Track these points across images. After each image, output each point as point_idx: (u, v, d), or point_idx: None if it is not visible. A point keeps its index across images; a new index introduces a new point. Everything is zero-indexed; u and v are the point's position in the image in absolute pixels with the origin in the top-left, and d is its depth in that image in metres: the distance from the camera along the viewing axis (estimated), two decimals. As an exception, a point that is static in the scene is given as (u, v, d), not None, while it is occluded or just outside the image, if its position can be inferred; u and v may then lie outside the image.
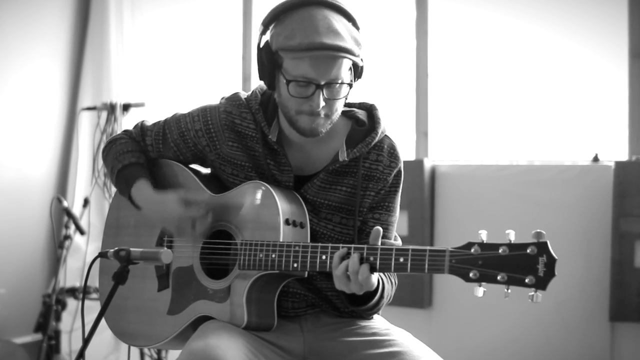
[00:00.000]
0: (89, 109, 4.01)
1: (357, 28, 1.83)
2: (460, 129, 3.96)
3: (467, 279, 1.58)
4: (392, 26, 4.12)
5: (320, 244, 1.75)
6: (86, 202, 3.82)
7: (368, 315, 1.93)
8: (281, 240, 1.79)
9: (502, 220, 3.55)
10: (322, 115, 1.80)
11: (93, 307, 3.33)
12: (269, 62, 1.81)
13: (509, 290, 1.56)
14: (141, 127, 2.07)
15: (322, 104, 1.78)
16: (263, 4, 4.22)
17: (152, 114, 3.64)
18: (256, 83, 1.98)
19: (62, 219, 4.04)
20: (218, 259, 1.91)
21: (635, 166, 3.34)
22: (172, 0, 4.65)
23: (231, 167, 1.95)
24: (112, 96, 4.29)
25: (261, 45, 1.83)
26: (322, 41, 1.72)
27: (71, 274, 3.94)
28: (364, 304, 1.83)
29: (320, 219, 1.92)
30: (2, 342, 3.71)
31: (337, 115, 1.85)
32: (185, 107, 2.06)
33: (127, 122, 3.80)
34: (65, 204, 3.67)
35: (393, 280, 1.93)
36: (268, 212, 1.82)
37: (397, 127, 4.00)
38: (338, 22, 1.78)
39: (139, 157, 2.01)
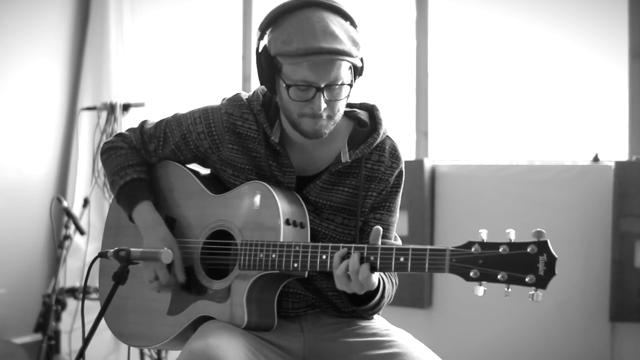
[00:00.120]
0: (88, 109, 4.02)
1: (355, 27, 1.82)
2: (460, 129, 3.96)
3: (468, 278, 1.58)
4: (392, 26, 4.12)
5: (320, 244, 1.75)
6: (86, 202, 3.82)
7: (369, 315, 1.93)
8: (281, 240, 1.79)
9: (502, 220, 3.55)
10: (325, 117, 1.80)
11: (93, 307, 3.32)
12: (268, 66, 1.81)
13: (509, 290, 1.56)
14: (141, 133, 2.05)
15: (324, 106, 1.78)
16: (263, 4, 4.22)
17: (152, 114, 3.64)
18: (256, 83, 1.97)
19: (62, 219, 4.04)
20: (218, 259, 1.90)
21: (635, 166, 3.34)
22: (172, 0, 4.65)
23: (232, 169, 1.95)
24: (112, 96, 4.29)
25: (259, 50, 1.83)
26: (319, 45, 1.71)
27: (71, 274, 3.94)
28: (364, 303, 1.82)
29: (322, 220, 1.91)
30: (2, 342, 3.71)
31: (339, 115, 1.85)
32: (185, 107, 2.05)
33: (127, 122, 3.80)
34: (65, 204, 3.67)
35: (394, 280, 1.93)
36: (268, 212, 1.82)
37: (397, 127, 3.99)
38: (335, 23, 1.76)
39: (140, 171, 2.01)
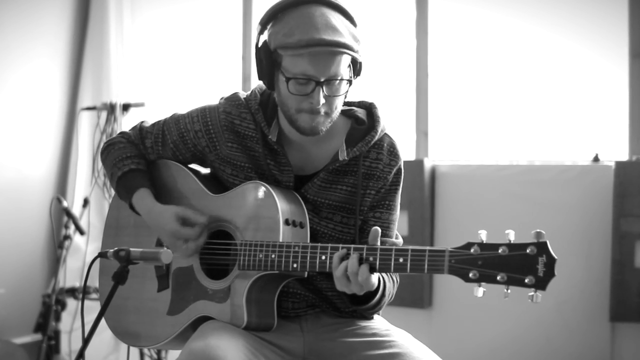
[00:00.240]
0: (88, 108, 4.02)
1: (355, 25, 1.83)
2: (460, 129, 3.96)
3: (467, 279, 1.58)
4: (392, 26, 4.12)
5: (319, 244, 1.75)
6: (86, 202, 3.82)
7: (370, 314, 1.93)
8: (281, 240, 1.79)
9: (502, 220, 3.55)
10: (322, 113, 1.80)
11: (93, 307, 3.32)
12: (268, 61, 1.81)
13: (509, 291, 1.56)
14: (140, 129, 2.06)
15: (322, 101, 1.78)
16: (263, 4, 4.21)
17: (152, 114, 3.64)
18: (256, 83, 1.97)
19: (61, 219, 4.03)
20: (218, 259, 1.90)
21: (635, 166, 3.34)
22: (172, 0, 4.65)
23: (231, 167, 1.95)
24: (112, 96, 4.29)
25: (259, 45, 1.83)
26: (321, 37, 1.72)
27: (71, 274, 3.94)
28: (365, 302, 1.82)
29: (321, 219, 1.91)
30: (1, 342, 3.71)
31: (337, 113, 1.85)
32: (185, 107, 2.05)
33: (127, 122, 3.80)
34: (65, 204, 3.67)
35: (394, 279, 1.93)
36: (267, 212, 1.82)
37: (397, 127, 3.99)
38: (336, 19, 1.78)
39: (139, 162, 2.01)
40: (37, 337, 3.80)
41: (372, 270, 1.69)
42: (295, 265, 1.76)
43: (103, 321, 1.84)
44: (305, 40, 1.72)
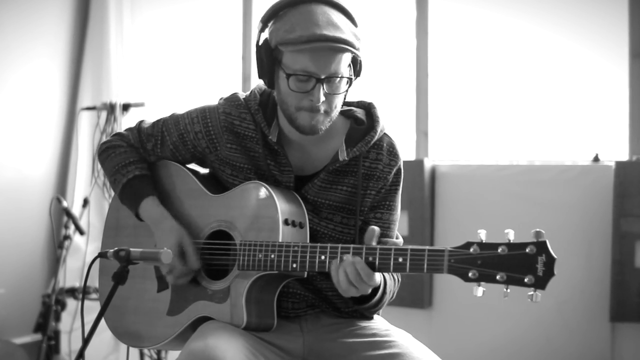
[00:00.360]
0: (88, 108, 4.01)
1: (355, 25, 1.83)
2: (460, 129, 3.96)
3: (466, 279, 1.58)
4: (392, 26, 4.11)
5: (319, 244, 1.75)
6: (86, 202, 3.82)
7: (371, 313, 1.92)
8: (280, 240, 1.79)
9: (503, 220, 3.55)
10: (322, 112, 1.80)
11: (93, 308, 3.32)
12: (268, 58, 1.81)
13: (508, 290, 1.56)
14: (138, 131, 2.05)
15: (322, 98, 1.78)
16: (263, 3, 4.21)
17: (152, 113, 3.64)
18: (256, 83, 1.97)
19: (61, 219, 4.03)
20: (217, 260, 1.90)
21: (635, 166, 3.34)
22: (172, 0, 4.65)
23: (230, 168, 1.94)
24: (112, 96, 4.29)
25: (260, 43, 1.83)
26: (322, 33, 1.72)
27: (71, 274, 3.94)
28: (367, 301, 1.82)
29: (321, 219, 1.91)
30: (1, 343, 3.70)
31: (336, 112, 1.85)
32: (184, 107, 2.05)
33: (127, 122, 3.79)
34: (65, 204, 3.67)
35: (396, 277, 1.93)
36: (267, 212, 1.82)
37: (397, 127, 3.99)
38: (337, 17, 1.78)
39: (142, 167, 2.01)
40: (37, 337, 3.80)
41: (372, 269, 1.69)
42: (294, 265, 1.76)
43: (103, 321, 1.84)
44: (307, 36, 1.72)
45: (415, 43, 3.96)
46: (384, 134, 1.94)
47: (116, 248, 1.77)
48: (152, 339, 1.96)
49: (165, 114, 2.07)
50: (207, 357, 1.64)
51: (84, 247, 3.94)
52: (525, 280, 1.53)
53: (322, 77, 1.76)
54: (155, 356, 3.55)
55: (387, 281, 1.85)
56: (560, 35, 3.75)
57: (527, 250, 1.53)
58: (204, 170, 2.06)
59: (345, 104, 1.94)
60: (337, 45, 1.74)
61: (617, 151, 3.54)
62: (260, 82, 1.95)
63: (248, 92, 1.97)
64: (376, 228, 1.71)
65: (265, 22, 1.83)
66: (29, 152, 4.31)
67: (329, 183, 1.91)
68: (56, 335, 3.62)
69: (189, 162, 2.05)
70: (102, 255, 1.81)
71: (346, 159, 1.88)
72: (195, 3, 4.62)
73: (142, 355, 3.62)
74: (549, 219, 3.48)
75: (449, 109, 3.97)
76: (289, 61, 1.77)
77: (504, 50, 3.87)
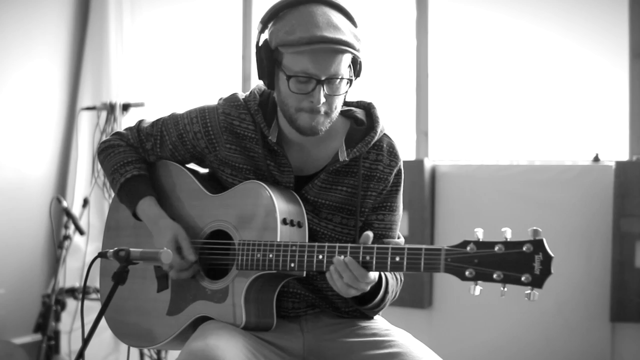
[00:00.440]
0: (88, 108, 4.01)
1: (355, 26, 1.83)
2: (460, 129, 3.96)
3: (463, 278, 1.57)
4: (392, 25, 4.11)
5: (317, 244, 1.74)
6: (86, 202, 3.82)
7: (374, 313, 1.92)
8: (279, 240, 1.78)
9: (503, 220, 3.51)
10: (322, 113, 1.80)
11: (93, 308, 3.32)
12: (269, 60, 1.81)
13: (505, 289, 1.55)
14: (138, 131, 2.05)
15: (323, 100, 1.77)
16: (263, 3, 4.21)
17: (152, 113, 3.63)
18: (256, 83, 1.97)
19: (61, 219, 4.03)
20: (216, 259, 1.90)
21: (636, 166, 3.33)
22: (172, 0, 4.65)
23: (230, 169, 1.94)
24: (112, 96, 4.29)
25: (260, 44, 1.83)
26: (322, 34, 1.72)
27: (71, 274, 3.94)
28: (369, 302, 1.82)
29: (321, 219, 1.91)
30: (1, 343, 3.70)
31: (336, 113, 1.84)
32: (184, 107, 2.05)
33: (126, 122, 3.79)
34: (65, 204, 3.67)
35: (398, 277, 1.93)
36: (266, 211, 1.81)
37: (397, 127, 3.99)
38: (337, 18, 1.78)
39: (140, 167, 2.01)
40: (37, 337, 3.80)
41: (369, 269, 1.68)
42: (293, 265, 1.75)
43: (103, 321, 1.84)
44: (307, 37, 1.72)
45: (415, 43, 3.96)
46: (384, 134, 1.94)
47: (116, 248, 1.77)
48: (152, 339, 1.96)
49: (165, 113, 2.06)
50: (207, 357, 1.64)
51: (84, 247, 3.93)
52: (522, 279, 1.52)
53: (323, 78, 1.76)
54: (155, 356, 3.55)
55: (389, 280, 1.85)
56: (560, 35, 3.75)
57: (523, 249, 1.53)
58: (203, 170, 2.06)
59: (345, 104, 1.94)
60: (338, 47, 1.73)
61: (618, 151, 3.54)
62: (260, 83, 1.94)
63: (248, 93, 1.97)
64: (369, 233, 1.71)
65: (265, 23, 1.83)
66: (29, 152, 4.31)
67: (329, 183, 1.90)
68: (56, 335, 3.63)
69: (188, 162, 2.05)
70: (102, 255, 1.81)
71: (346, 159, 1.88)
72: (195, 3, 4.62)
73: (142, 355, 3.62)
74: (549, 219, 3.48)
75: (449, 109, 3.97)
76: (289, 63, 1.77)
77: (504, 50, 3.86)
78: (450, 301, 3.71)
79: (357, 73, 1.85)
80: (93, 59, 4.47)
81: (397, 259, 1.65)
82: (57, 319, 3.62)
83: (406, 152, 3.92)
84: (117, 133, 2.09)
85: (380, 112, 1.95)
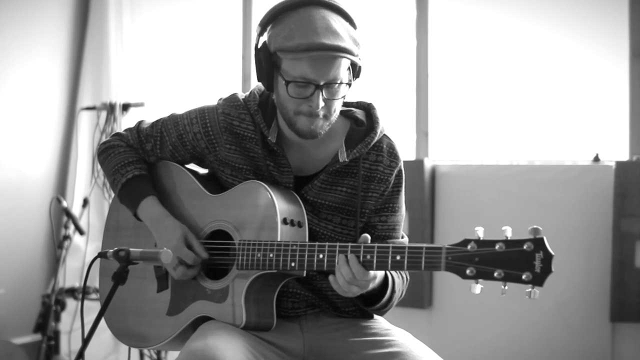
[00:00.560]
0: (88, 108, 4.01)
1: (355, 27, 1.82)
2: (460, 129, 3.96)
3: (464, 276, 1.58)
4: (392, 26, 4.11)
5: (317, 243, 1.75)
6: (85, 202, 3.82)
7: (382, 313, 1.92)
8: (279, 239, 1.78)
9: (503, 220, 3.50)
10: (321, 116, 1.80)
11: (92, 308, 3.32)
12: (267, 63, 1.81)
13: (506, 287, 1.56)
14: (138, 131, 2.05)
15: (322, 104, 1.77)
16: (263, 3, 4.22)
17: (152, 113, 3.64)
18: (256, 83, 1.97)
19: (61, 219, 4.03)
20: (217, 259, 1.90)
21: (636, 166, 3.33)
22: (172, 0, 4.64)
23: (230, 169, 1.94)
24: (112, 96, 4.29)
25: (259, 46, 1.83)
26: (321, 41, 1.71)
27: (70, 274, 3.94)
28: (376, 302, 1.82)
29: (321, 220, 1.91)
30: (1, 343, 3.70)
31: (335, 116, 1.84)
32: (184, 107, 2.05)
33: (126, 122, 3.79)
34: (65, 204, 3.67)
35: (404, 276, 1.93)
36: (266, 211, 1.81)
37: (397, 127, 3.99)
38: (336, 22, 1.77)
39: (141, 168, 2.00)
40: (37, 337, 3.80)
41: (370, 268, 1.68)
42: (293, 264, 1.75)
43: (103, 321, 1.84)
44: (306, 44, 1.71)
45: (415, 43, 3.96)
46: (384, 135, 1.94)
47: (116, 248, 1.77)
48: (152, 339, 1.96)
49: (165, 114, 2.06)
50: (207, 357, 1.64)
51: (84, 247, 3.93)
52: (523, 277, 1.52)
53: (321, 83, 1.76)
54: (155, 356, 3.55)
55: (396, 280, 1.85)
56: (560, 35, 3.75)
57: (524, 247, 1.53)
58: (203, 171, 2.06)
59: (344, 104, 1.94)
60: (336, 54, 1.73)
61: (618, 151, 3.54)
62: (260, 83, 1.94)
63: (247, 93, 1.96)
64: (367, 235, 1.71)
65: (263, 26, 1.82)
66: (29, 152, 4.31)
67: (329, 184, 1.90)
68: (56, 335, 3.62)
69: (188, 163, 2.05)
70: (101, 255, 1.81)
71: (346, 160, 1.88)
72: (195, 3, 4.62)
73: (142, 355, 3.62)
74: (549, 219, 3.48)
75: (449, 109, 3.97)
76: (288, 68, 1.76)
77: (504, 50, 3.86)
78: (450, 301, 3.71)
79: (356, 74, 1.85)
80: (93, 59, 4.47)
81: (398, 257, 1.65)
82: (57, 319, 3.62)
83: (406, 152, 3.92)
84: (117, 134, 2.09)
85: (380, 113, 1.95)
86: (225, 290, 1.84)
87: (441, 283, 3.72)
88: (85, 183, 4.27)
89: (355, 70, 1.84)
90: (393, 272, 1.85)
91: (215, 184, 1.98)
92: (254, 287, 1.81)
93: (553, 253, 1.52)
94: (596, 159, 3.51)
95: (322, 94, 1.76)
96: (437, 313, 3.75)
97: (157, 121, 2.04)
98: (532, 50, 3.80)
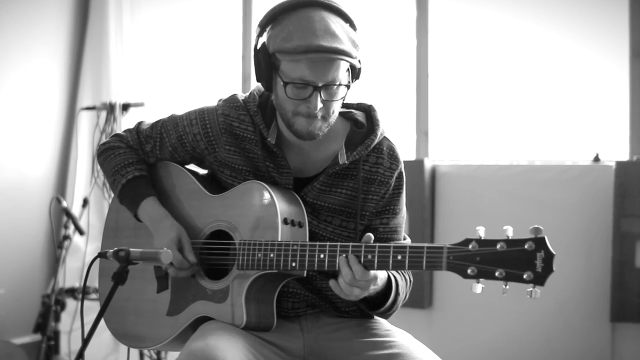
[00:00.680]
0: (88, 108, 4.01)
1: (355, 29, 1.81)
2: (460, 129, 3.95)
3: (465, 276, 1.58)
4: (392, 25, 4.11)
5: (318, 243, 1.74)
6: (85, 202, 3.82)
7: (387, 316, 1.92)
8: (279, 239, 1.78)
9: (503, 220, 3.49)
10: (319, 117, 1.80)
11: (92, 308, 3.32)
12: (266, 64, 1.80)
13: (507, 287, 1.56)
14: (137, 132, 2.05)
15: (320, 105, 1.77)
16: (263, 3, 4.21)
17: (152, 113, 3.64)
18: (255, 83, 1.97)
19: (61, 219, 4.03)
20: (217, 260, 1.90)
21: (636, 166, 3.33)
22: (172, 0, 4.64)
23: (229, 170, 1.94)
24: (112, 96, 4.28)
25: (258, 47, 1.82)
26: (319, 44, 1.71)
27: (70, 274, 3.94)
28: (380, 306, 1.82)
29: (320, 221, 1.91)
30: (1, 343, 3.70)
31: (334, 117, 1.84)
32: (184, 107, 2.05)
33: (126, 122, 3.79)
34: (65, 204, 3.67)
35: (407, 277, 1.93)
36: (266, 211, 1.81)
37: (397, 127, 3.99)
38: (335, 23, 1.76)
39: (141, 169, 2.00)
40: (37, 337, 3.80)
41: (370, 268, 1.68)
42: (294, 264, 1.75)
43: (102, 321, 1.84)
44: (304, 46, 1.71)
45: (415, 43, 3.96)
46: (384, 137, 1.94)
47: (116, 248, 1.76)
48: (152, 339, 1.96)
49: (165, 114, 2.06)
50: (207, 357, 1.64)
51: (84, 247, 3.93)
52: (524, 276, 1.52)
53: (320, 85, 1.75)
54: (155, 357, 3.54)
55: (399, 282, 1.85)
56: (560, 35, 3.75)
57: (525, 247, 1.53)
58: (203, 171, 2.06)
59: (344, 105, 1.93)
60: (334, 57, 1.73)
61: (618, 151, 3.54)
62: (260, 84, 1.94)
63: (247, 94, 1.96)
64: (370, 235, 1.71)
65: (263, 26, 1.82)
66: (29, 152, 4.31)
67: (328, 186, 1.90)
68: (56, 335, 3.62)
69: (188, 163, 2.04)
70: (101, 255, 1.81)
71: (346, 162, 1.87)
72: (195, 3, 4.62)
73: (142, 355, 3.61)
74: (549, 219, 3.47)
75: (449, 109, 3.97)
76: (287, 69, 1.76)
77: (504, 50, 3.86)
78: (450, 301, 3.70)
79: (355, 76, 1.85)
80: (93, 59, 4.47)
81: (399, 257, 1.65)
82: (57, 319, 3.62)
83: (406, 152, 3.92)
84: (117, 135, 2.08)
85: (381, 115, 1.94)
86: (226, 291, 1.83)
87: (441, 283, 3.72)
88: (85, 183, 4.27)
89: (354, 72, 1.84)
90: (397, 275, 1.85)
91: (215, 184, 1.98)
92: (255, 287, 1.81)
93: (554, 252, 1.52)
94: (596, 159, 3.51)
95: (321, 96, 1.76)
96: (437, 313, 3.75)
97: (157, 122, 2.04)
98: (532, 50, 3.80)
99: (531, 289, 1.52)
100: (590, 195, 3.46)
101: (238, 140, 1.92)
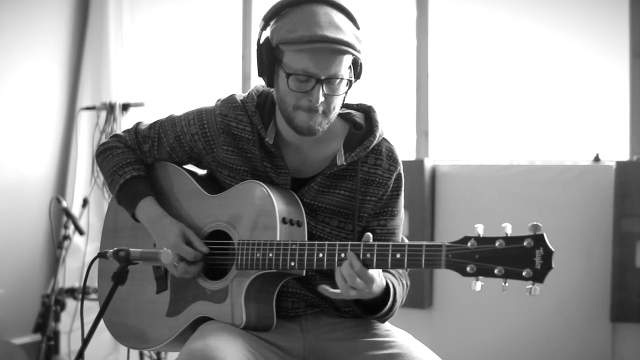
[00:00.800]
0: (88, 108, 4.01)
1: (358, 27, 1.82)
2: (460, 129, 3.95)
3: (464, 273, 1.58)
4: (392, 25, 4.11)
5: (317, 242, 1.74)
6: (85, 202, 3.82)
7: (384, 321, 1.92)
8: (278, 239, 1.78)
9: (503, 220, 3.48)
10: (320, 112, 1.80)
11: (92, 308, 3.32)
12: (269, 57, 1.81)
13: (506, 284, 1.56)
14: (135, 133, 2.05)
15: (322, 99, 1.77)
16: (263, 3, 4.21)
17: (152, 113, 3.64)
18: (256, 83, 1.97)
19: (61, 219, 4.03)
20: (216, 260, 1.90)
21: (636, 166, 3.33)
22: (172, 0, 4.64)
23: (227, 170, 1.94)
24: (112, 96, 4.28)
25: (261, 41, 1.83)
26: (324, 34, 1.72)
27: (70, 275, 3.94)
28: (378, 310, 1.82)
29: (318, 222, 1.90)
30: (1, 343, 3.70)
31: (334, 114, 1.84)
32: (184, 107, 2.05)
33: (126, 122, 3.79)
34: (65, 204, 3.67)
35: (404, 282, 1.93)
36: (265, 211, 1.81)
37: (397, 127, 3.99)
38: (339, 18, 1.78)
39: (139, 169, 2.00)
40: (37, 337, 3.79)
41: (370, 267, 1.68)
42: (293, 264, 1.75)
43: (102, 321, 1.84)
44: (308, 36, 1.72)
45: (416, 43, 3.96)
46: (383, 138, 1.94)
47: (115, 248, 1.76)
48: (151, 340, 1.96)
49: (164, 114, 2.06)
50: (207, 358, 1.64)
51: (84, 247, 3.93)
52: (523, 273, 1.52)
53: (322, 77, 1.76)
54: (155, 357, 3.54)
55: (397, 288, 1.85)
56: (560, 35, 3.75)
57: (524, 244, 1.53)
58: (201, 171, 2.06)
59: (344, 106, 1.93)
60: (338, 47, 1.73)
61: (618, 151, 3.54)
62: (259, 84, 1.94)
63: (245, 94, 1.96)
64: (370, 234, 1.70)
65: (267, 20, 1.83)
66: (28, 152, 4.30)
67: (326, 187, 1.90)
68: (55, 335, 3.62)
69: (186, 163, 2.04)
70: (101, 255, 1.81)
71: (344, 163, 1.87)
72: (195, 3, 4.62)
73: (141, 356, 3.61)
74: (549, 219, 3.46)
75: (449, 109, 3.96)
76: (290, 61, 1.77)
77: (504, 50, 3.86)
78: (450, 301, 3.70)
79: (357, 75, 1.85)
80: (93, 59, 4.46)
81: (398, 255, 1.65)
82: (57, 319, 3.62)
83: (406, 152, 3.93)
84: (115, 135, 2.09)
85: (380, 116, 1.94)
86: (225, 291, 1.83)
87: (441, 283, 3.72)
88: (85, 183, 4.27)
89: (356, 70, 1.84)
90: (394, 280, 1.84)
91: (213, 184, 1.98)
92: (254, 287, 1.81)
93: (553, 249, 1.52)
94: (596, 159, 3.51)
95: (323, 89, 1.76)
96: (437, 313, 3.74)
97: (155, 122, 2.04)
98: (532, 50, 3.80)
99: (530, 286, 1.52)
100: (590, 195, 3.46)
101: (236, 141, 1.92)
